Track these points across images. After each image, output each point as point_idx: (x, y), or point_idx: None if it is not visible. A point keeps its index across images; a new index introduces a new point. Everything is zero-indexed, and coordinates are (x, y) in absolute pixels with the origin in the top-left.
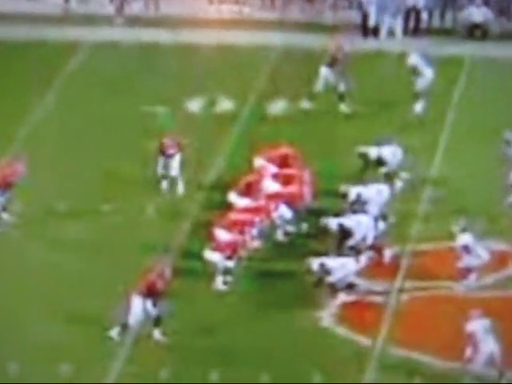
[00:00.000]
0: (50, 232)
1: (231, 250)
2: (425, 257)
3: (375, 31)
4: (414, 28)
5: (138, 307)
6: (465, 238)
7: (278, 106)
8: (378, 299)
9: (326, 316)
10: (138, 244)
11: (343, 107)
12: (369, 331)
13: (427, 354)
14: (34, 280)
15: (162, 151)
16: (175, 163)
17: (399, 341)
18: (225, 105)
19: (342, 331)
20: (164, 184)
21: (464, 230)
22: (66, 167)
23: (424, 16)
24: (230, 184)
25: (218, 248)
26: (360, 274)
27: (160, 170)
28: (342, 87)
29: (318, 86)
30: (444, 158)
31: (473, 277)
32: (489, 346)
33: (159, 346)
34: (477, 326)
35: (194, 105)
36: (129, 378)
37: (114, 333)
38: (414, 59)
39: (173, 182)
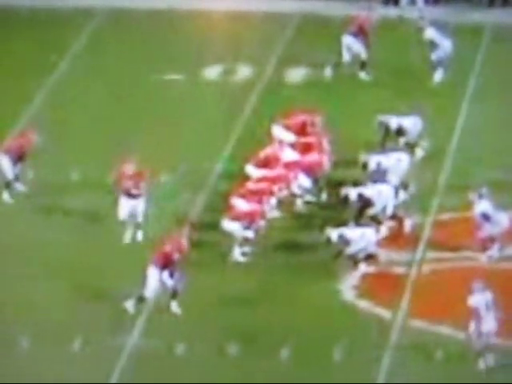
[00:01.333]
0: (63, 202)
1: (250, 220)
2: (446, 227)
3: None
4: None
5: (154, 279)
6: (482, 206)
7: (296, 74)
8: (398, 270)
9: (346, 289)
10: (153, 215)
11: (363, 75)
12: (390, 304)
13: (449, 326)
14: (45, 251)
15: (126, 191)
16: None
17: (421, 313)
18: (243, 72)
19: (362, 304)
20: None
21: (481, 198)
22: (80, 136)
23: None
24: (248, 154)
25: (237, 217)
26: (380, 244)
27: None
28: (363, 56)
29: (345, 56)
30: (465, 126)
31: (495, 247)
32: (488, 324)
33: (176, 319)
34: (479, 300)
35: (212, 73)
36: (145, 352)
37: (130, 305)
38: (430, 33)
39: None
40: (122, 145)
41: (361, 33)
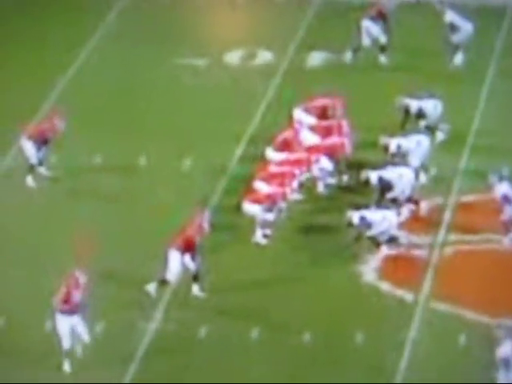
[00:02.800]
0: (86, 186)
1: (271, 202)
2: (468, 210)
3: None
4: None
5: (176, 262)
6: (503, 188)
7: (317, 58)
8: (420, 253)
9: (368, 271)
10: (174, 198)
11: (383, 59)
12: (411, 286)
13: (471, 309)
14: (68, 233)
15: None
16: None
17: (442, 295)
18: (264, 57)
19: (384, 286)
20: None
21: (502, 180)
22: (102, 120)
23: None
24: (268, 137)
25: (258, 200)
26: (402, 226)
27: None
28: (383, 40)
29: (364, 40)
30: (486, 109)
31: None
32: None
33: (197, 303)
34: (508, 351)
35: (233, 57)
36: (167, 336)
37: (152, 288)
38: (450, 16)
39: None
40: (144, 128)
41: (380, 17)
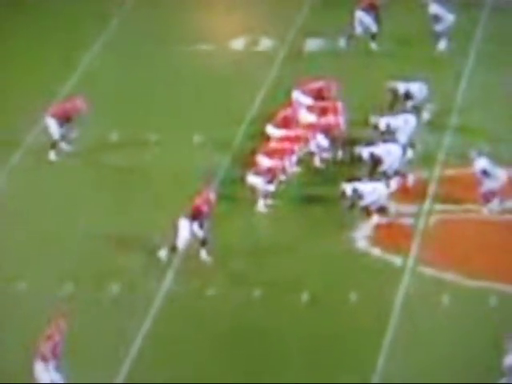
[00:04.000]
0: (103, 160)
1: (272, 175)
2: (450, 182)
3: None
4: None
5: (186, 230)
6: (481, 163)
7: (313, 44)
8: (408, 221)
9: (360, 237)
10: (184, 171)
11: (373, 46)
12: (400, 251)
13: (455, 272)
14: (88, 204)
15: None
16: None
17: (428, 260)
18: (265, 44)
19: (375, 251)
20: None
21: (480, 155)
22: (120, 98)
23: None
24: (269, 116)
25: (260, 173)
26: (391, 197)
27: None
28: (374, 29)
29: (357, 29)
30: (466, 91)
31: (496, 200)
32: None
33: (205, 266)
34: None
35: (238, 44)
36: (176, 297)
37: (162, 254)
38: (433, 8)
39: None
40: (156, 108)
41: (371, 8)
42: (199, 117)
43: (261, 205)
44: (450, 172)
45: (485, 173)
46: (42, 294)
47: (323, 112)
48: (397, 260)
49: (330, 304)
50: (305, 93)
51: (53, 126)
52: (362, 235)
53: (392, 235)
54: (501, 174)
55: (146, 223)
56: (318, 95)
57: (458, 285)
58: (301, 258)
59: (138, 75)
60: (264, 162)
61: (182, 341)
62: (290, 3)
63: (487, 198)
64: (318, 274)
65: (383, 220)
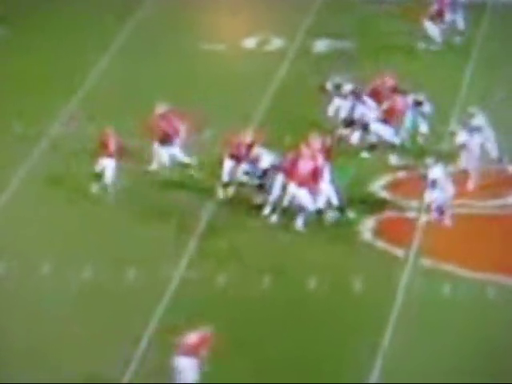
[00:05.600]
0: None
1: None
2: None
3: None
4: None
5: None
6: (435, 172)
7: (322, 44)
8: (410, 215)
9: (365, 230)
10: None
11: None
12: (403, 244)
13: (454, 264)
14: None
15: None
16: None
17: (430, 252)
18: (276, 43)
19: (379, 244)
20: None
21: (436, 163)
22: (133, 97)
23: None
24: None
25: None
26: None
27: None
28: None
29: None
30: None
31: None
32: None
33: (216, 253)
34: None
35: (250, 43)
36: (189, 284)
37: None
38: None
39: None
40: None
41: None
42: (212, 113)
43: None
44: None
45: (433, 183)
46: (63, 278)
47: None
48: (400, 252)
49: (336, 292)
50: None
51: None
52: (366, 228)
53: (395, 228)
54: (449, 188)
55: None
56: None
57: (458, 275)
58: (308, 248)
59: (152, 75)
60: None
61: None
62: (301, 3)
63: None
64: (324, 264)
65: (387, 214)
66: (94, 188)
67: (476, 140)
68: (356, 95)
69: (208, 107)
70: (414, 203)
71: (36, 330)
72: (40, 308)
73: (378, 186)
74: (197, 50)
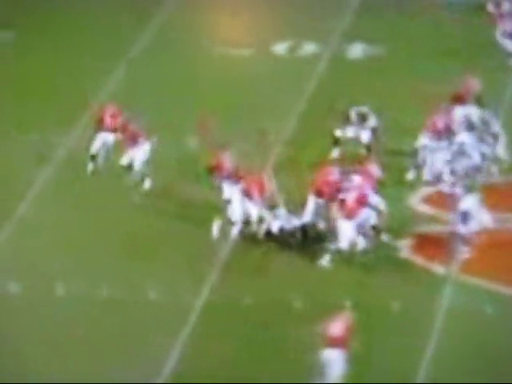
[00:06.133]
0: None
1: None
2: (496, 191)
3: None
4: None
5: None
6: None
7: (357, 50)
8: (450, 231)
9: (403, 247)
10: None
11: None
12: (442, 261)
13: (499, 282)
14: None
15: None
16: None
17: (470, 270)
18: (308, 48)
19: (418, 260)
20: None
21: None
22: (159, 103)
23: None
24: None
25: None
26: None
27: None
28: None
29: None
30: None
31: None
32: None
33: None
34: None
35: (280, 48)
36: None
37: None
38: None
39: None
40: (194, 112)
41: None
42: (238, 123)
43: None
44: (495, 180)
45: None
46: (78, 297)
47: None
48: (439, 269)
49: (372, 313)
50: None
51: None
52: (404, 244)
53: (435, 245)
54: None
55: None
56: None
57: (501, 295)
58: (346, 267)
59: (178, 80)
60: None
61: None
62: (333, 7)
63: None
64: (361, 282)
65: (426, 229)
66: (89, 168)
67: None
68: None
69: (233, 114)
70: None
71: (51, 349)
72: (55, 328)
73: (416, 199)
74: (223, 55)
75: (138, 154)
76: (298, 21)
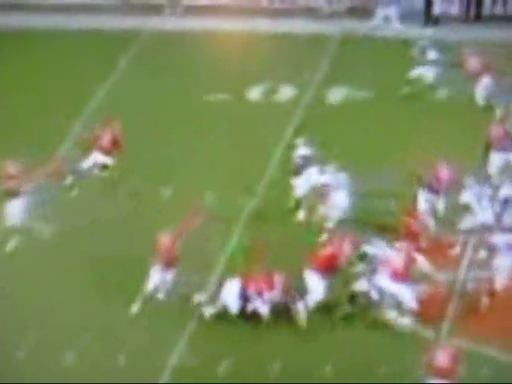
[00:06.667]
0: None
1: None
2: None
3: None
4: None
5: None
6: None
7: (338, 94)
8: (442, 289)
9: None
10: None
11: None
12: (433, 322)
13: (494, 345)
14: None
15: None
16: None
17: (462, 331)
18: (285, 92)
19: (406, 323)
20: None
21: None
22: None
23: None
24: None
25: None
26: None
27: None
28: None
29: None
30: None
31: None
32: None
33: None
34: None
35: (255, 92)
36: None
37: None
38: None
39: None
40: (170, 162)
41: None
42: (212, 175)
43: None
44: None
45: None
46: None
47: None
48: (429, 332)
49: (357, 379)
50: None
51: None
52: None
53: (424, 304)
54: None
55: None
56: None
57: (497, 359)
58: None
59: (147, 128)
60: None
61: None
62: (312, 47)
63: None
64: (343, 346)
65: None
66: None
67: None
68: None
69: (207, 168)
70: (447, 275)
71: None
72: None
73: None
74: (197, 100)
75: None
76: (274, 64)
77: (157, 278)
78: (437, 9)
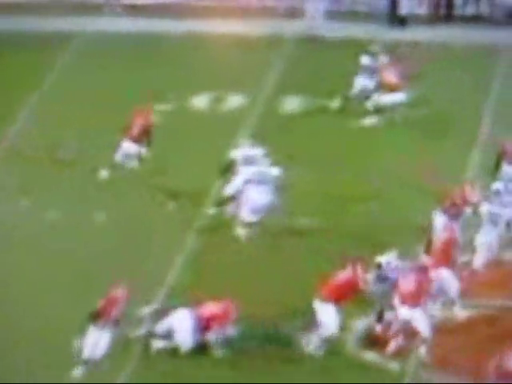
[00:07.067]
0: None
1: None
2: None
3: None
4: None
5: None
6: None
7: (292, 103)
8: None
9: (352, 340)
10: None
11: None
12: (400, 354)
13: (467, 375)
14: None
15: None
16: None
17: (432, 364)
18: (234, 101)
19: (369, 356)
20: None
21: None
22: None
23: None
24: None
25: None
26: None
27: None
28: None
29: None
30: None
31: None
32: None
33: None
34: None
35: (201, 101)
36: None
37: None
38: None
39: None
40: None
41: None
42: (162, 184)
43: None
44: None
45: None
46: None
47: None
48: (395, 365)
49: None
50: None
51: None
52: (354, 337)
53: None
54: None
55: None
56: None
57: None
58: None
59: (81, 135)
60: None
61: None
62: (264, 51)
63: None
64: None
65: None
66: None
67: None
68: None
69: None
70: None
71: None
72: None
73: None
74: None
75: None
76: (221, 72)
77: None
78: (404, 9)
